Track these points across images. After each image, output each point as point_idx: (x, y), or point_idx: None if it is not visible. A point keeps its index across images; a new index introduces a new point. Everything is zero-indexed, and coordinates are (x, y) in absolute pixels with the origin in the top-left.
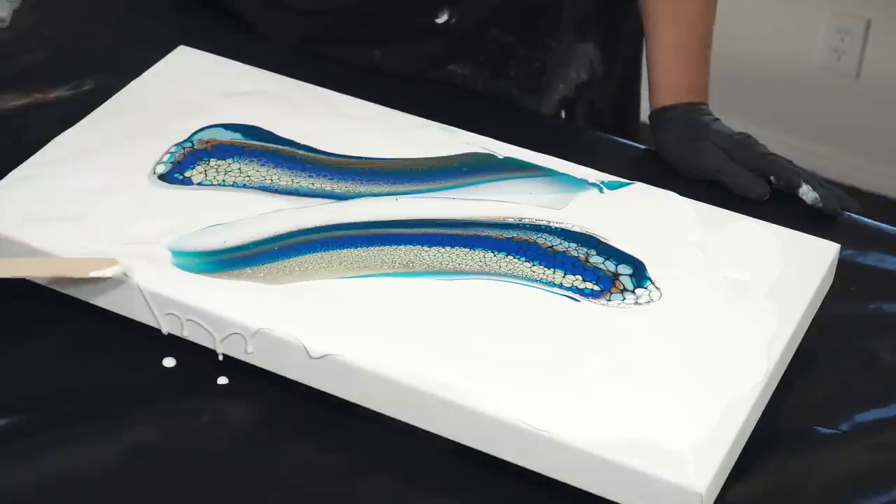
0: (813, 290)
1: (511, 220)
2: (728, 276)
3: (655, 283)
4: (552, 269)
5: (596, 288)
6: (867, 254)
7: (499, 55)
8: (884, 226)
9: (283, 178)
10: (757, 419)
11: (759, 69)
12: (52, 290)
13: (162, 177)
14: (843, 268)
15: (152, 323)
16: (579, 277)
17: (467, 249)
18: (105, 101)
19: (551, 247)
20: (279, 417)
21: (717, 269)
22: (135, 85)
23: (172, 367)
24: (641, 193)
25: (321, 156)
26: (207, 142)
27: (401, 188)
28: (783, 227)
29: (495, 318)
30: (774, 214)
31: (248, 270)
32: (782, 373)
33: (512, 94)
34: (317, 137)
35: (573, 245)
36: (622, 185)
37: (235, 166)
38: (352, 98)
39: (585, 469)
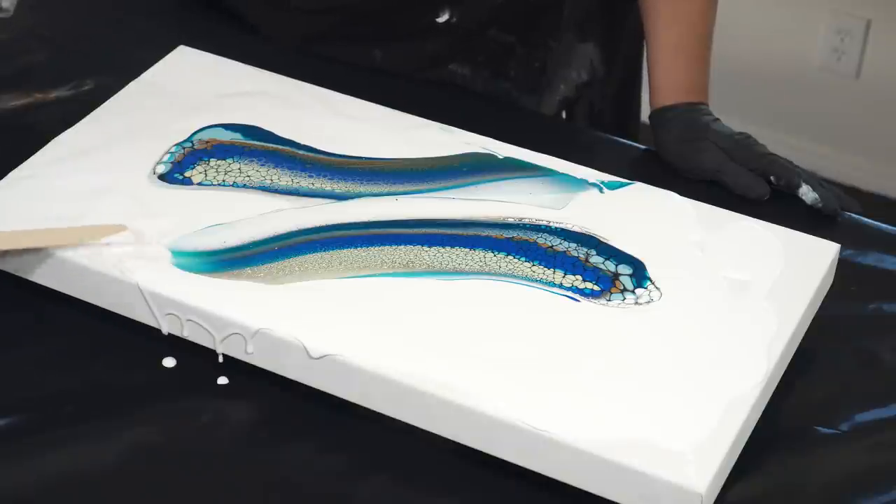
0: (813, 290)
1: (511, 220)
2: (728, 276)
3: (655, 283)
4: (552, 269)
5: (596, 288)
6: (867, 254)
7: (499, 55)
8: (884, 226)
9: (283, 178)
10: (757, 419)
11: (759, 69)
12: (52, 290)
13: (162, 177)
14: (843, 268)
15: (152, 323)
16: (579, 277)
17: (467, 249)
18: (105, 101)
19: (551, 247)
20: (279, 417)
21: (717, 269)
22: (135, 85)
23: (172, 367)
24: (641, 193)
25: (321, 156)
26: (207, 142)
27: (401, 188)
28: (783, 227)
29: (495, 318)
30: (774, 214)
31: (248, 270)
32: (782, 373)
33: (512, 94)
34: (317, 137)
35: (573, 245)
36: (622, 185)
37: (235, 166)
38: (352, 98)
39: (585, 469)
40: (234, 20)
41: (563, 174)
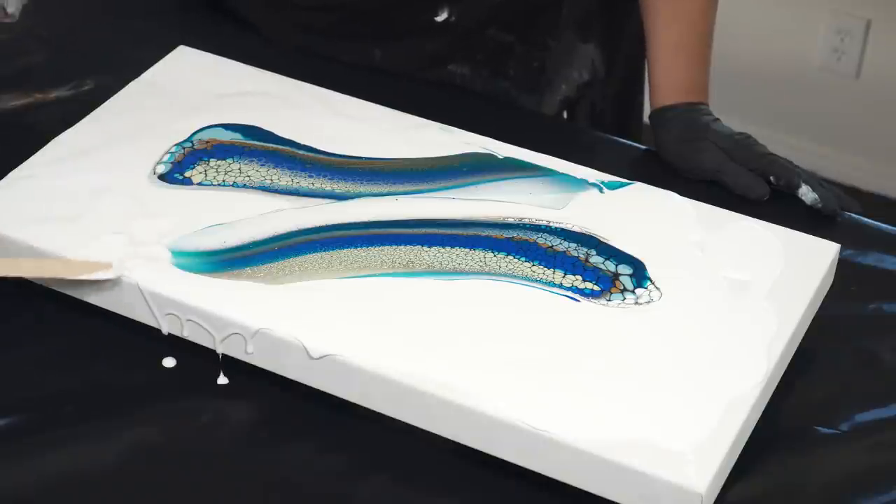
0: (813, 290)
1: (511, 220)
2: (728, 276)
3: (655, 283)
4: (552, 269)
5: (596, 288)
6: (867, 254)
7: (498, 54)
8: (884, 226)
9: (283, 178)
10: (757, 419)
11: (759, 69)
12: (52, 290)
13: (162, 177)
14: (843, 268)
15: (152, 323)
16: (579, 277)
17: (467, 249)
18: (105, 101)
19: (551, 247)
20: (279, 417)
21: (717, 269)
22: (135, 85)
23: (172, 367)
24: (641, 193)
25: (321, 156)
26: (207, 142)
27: (401, 188)
28: (783, 227)
29: (495, 318)
30: (774, 214)
31: (248, 270)
32: (782, 373)
33: (511, 93)
34: (317, 137)
35: (573, 245)
36: (622, 185)
37: (235, 166)
38: (352, 98)
39: (585, 469)
40: (234, 20)
41: (563, 174)
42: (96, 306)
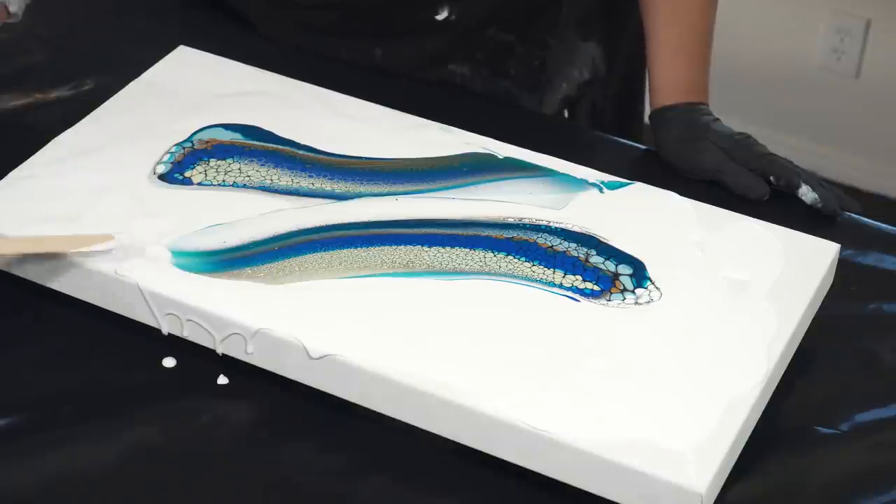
0: (813, 290)
1: (511, 220)
2: (728, 276)
3: (655, 283)
4: (552, 269)
5: (596, 288)
6: (867, 254)
7: (498, 53)
8: (884, 226)
9: (283, 178)
10: (757, 419)
11: (759, 69)
12: (52, 290)
13: (162, 177)
14: (843, 268)
15: (152, 323)
16: (579, 277)
17: (467, 249)
18: (105, 101)
19: (551, 247)
20: (279, 417)
21: (717, 269)
22: (135, 85)
23: (172, 367)
24: (641, 193)
25: (321, 156)
26: (207, 142)
27: (401, 188)
28: (783, 227)
29: (495, 318)
30: (774, 214)
31: (248, 270)
32: (782, 373)
33: (512, 92)
34: (317, 137)
35: (573, 245)
36: (622, 185)
37: (235, 166)
38: (352, 98)
39: (585, 469)
40: (234, 19)
41: (563, 174)
42: (96, 306)
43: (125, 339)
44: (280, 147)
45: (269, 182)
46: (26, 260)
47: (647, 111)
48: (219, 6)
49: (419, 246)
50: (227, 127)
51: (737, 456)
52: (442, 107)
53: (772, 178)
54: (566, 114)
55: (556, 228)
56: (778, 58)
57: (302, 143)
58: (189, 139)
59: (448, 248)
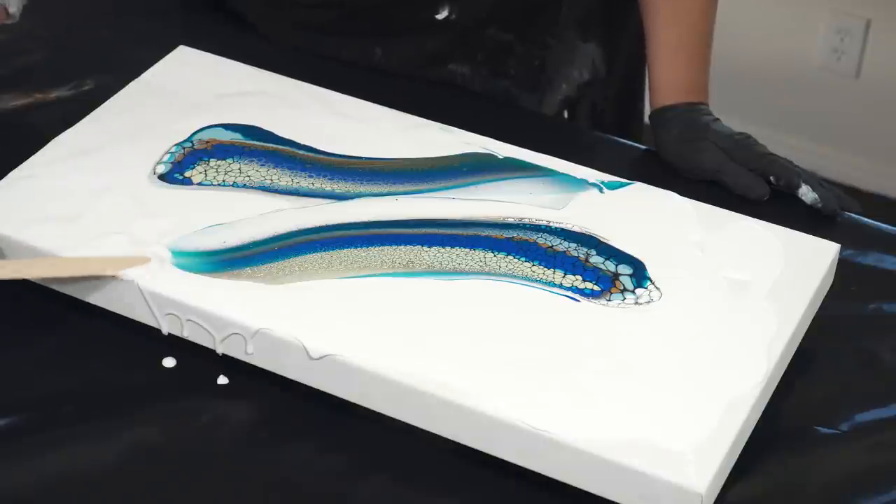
0: (813, 290)
1: (511, 220)
2: (728, 276)
3: (655, 283)
4: (552, 269)
5: (596, 288)
6: (867, 254)
7: (498, 53)
8: (884, 226)
9: (283, 178)
10: (757, 419)
11: (759, 69)
12: (51, 290)
13: (162, 177)
14: (843, 268)
15: (152, 323)
16: (579, 277)
17: (467, 249)
18: (105, 101)
19: (551, 247)
20: (279, 417)
21: (717, 269)
22: (135, 85)
23: (172, 367)
24: (641, 193)
25: (321, 156)
26: (207, 142)
27: (401, 188)
28: (783, 227)
29: (495, 318)
30: (774, 214)
31: (248, 270)
32: (782, 373)
33: (511, 92)
34: (317, 137)
35: (573, 245)
36: (622, 185)
37: (235, 166)
38: (351, 98)
39: (585, 469)
40: (234, 20)
41: (563, 174)
42: (96, 306)
43: (125, 339)
44: (280, 147)
45: (269, 182)
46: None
47: (647, 111)
48: (219, 7)
49: (419, 246)
50: (227, 127)
51: (737, 456)
52: (442, 107)
53: (772, 178)
54: (566, 114)
55: (556, 228)
56: (778, 58)
57: (302, 143)
58: (189, 139)
59: (448, 248)
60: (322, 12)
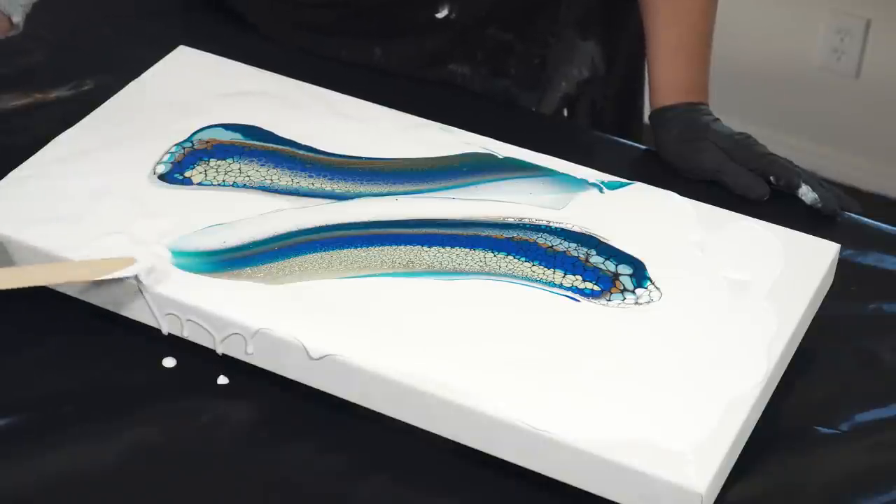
0: (813, 290)
1: (511, 220)
2: (728, 276)
3: (655, 283)
4: (552, 269)
5: (596, 288)
6: (867, 254)
7: (498, 53)
8: (884, 226)
9: (283, 178)
10: (757, 419)
11: (759, 69)
12: (51, 290)
13: (162, 177)
14: (843, 268)
15: (152, 323)
16: (579, 277)
17: (467, 249)
18: (105, 101)
19: (551, 247)
20: (279, 417)
21: (717, 269)
22: (135, 85)
23: (172, 367)
24: (641, 193)
25: (321, 156)
26: (207, 142)
27: (401, 188)
28: (783, 227)
29: (495, 318)
30: (774, 214)
31: (248, 270)
32: (782, 373)
33: (511, 91)
34: (317, 137)
35: (573, 245)
36: (622, 185)
37: (235, 166)
38: (351, 98)
39: (585, 469)
40: (235, 20)
41: (563, 174)
42: (96, 306)
43: (125, 339)
44: (280, 147)
45: (269, 182)
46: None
47: (647, 110)
48: (219, 7)
49: (419, 246)
50: (227, 127)
51: (737, 456)
52: (442, 107)
53: (772, 178)
54: (566, 112)
55: (556, 228)
56: (778, 58)
57: (302, 143)
58: (189, 139)
59: (448, 248)
60: (323, 12)
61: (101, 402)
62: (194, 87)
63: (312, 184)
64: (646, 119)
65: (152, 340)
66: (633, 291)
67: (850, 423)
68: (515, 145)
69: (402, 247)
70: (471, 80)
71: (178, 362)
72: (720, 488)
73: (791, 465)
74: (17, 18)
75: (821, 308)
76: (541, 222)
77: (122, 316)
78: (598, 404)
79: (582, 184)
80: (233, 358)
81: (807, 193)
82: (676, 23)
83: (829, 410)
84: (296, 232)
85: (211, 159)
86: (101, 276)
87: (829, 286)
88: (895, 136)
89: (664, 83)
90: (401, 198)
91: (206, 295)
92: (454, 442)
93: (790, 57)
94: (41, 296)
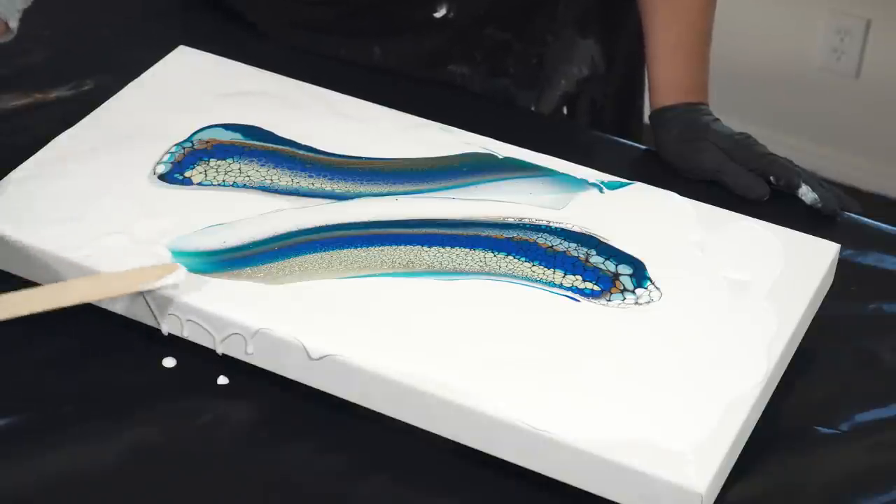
0: (813, 290)
1: (511, 220)
2: (728, 276)
3: (655, 283)
4: (552, 269)
5: (596, 288)
6: (867, 254)
7: (496, 52)
8: (884, 226)
9: (283, 178)
10: (757, 419)
11: (759, 69)
12: None
13: (162, 177)
14: (843, 268)
15: (152, 323)
16: (579, 277)
17: (467, 249)
18: (105, 101)
19: (551, 247)
20: (279, 417)
21: (717, 269)
22: (135, 85)
23: (172, 367)
24: (641, 193)
25: (321, 156)
26: (207, 142)
27: (401, 188)
28: (783, 227)
29: (495, 318)
30: (774, 214)
31: (248, 270)
32: (782, 373)
33: (510, 91)
34: (317, 137)
35: (573, 245)
36: (622, 185)
37: (235, 166)
38: (351, 98)
39: (585, 469)
40: (234, 20)
41: (563, 174)
42: (96, 306)
43: (125, 339)
44: (280, 147)
45: (269, 182)
46: (29, 261)
47: (647, 110)
48: (219, 6)
49: (419, 246)
50: (227, 127)
51: (737, 456)
52: (442, 106)
53: (772, 178)
54: (565, 111)
55: (556, 228)
56: (778, 58)
57: (302, 143)
58: (189, 139)
59: (448, 248)
60: (321, 9)
61: (101, 402)
62: (194, 87)
63: (312, 184)
64: (646, 119)
65: (152, 340)
66: (633, 291)
67: (850, 423)
68: (515, 145)
69: (402, 247)
70: (470, 80)
71: (178, 362)
72: (720, 488)
73: (791, 465)
74: (14, 23)
75: (821, 308)
76: (541, 222)
77: (122, 316)
78: (598, 404)
79: (582, 184)
80: (233, 358)
81: (807, 193)
82: (675, 22)
83: (829, 410)
84: (296, 232)
85: (211, 159)
86: (150, 287)
87: (829, 286)
88: (895, 136)
89: (664, 83)
90: (401, 198)
91: (206, 295)
92: (454, 442)
93: (790, 57)
94: None
